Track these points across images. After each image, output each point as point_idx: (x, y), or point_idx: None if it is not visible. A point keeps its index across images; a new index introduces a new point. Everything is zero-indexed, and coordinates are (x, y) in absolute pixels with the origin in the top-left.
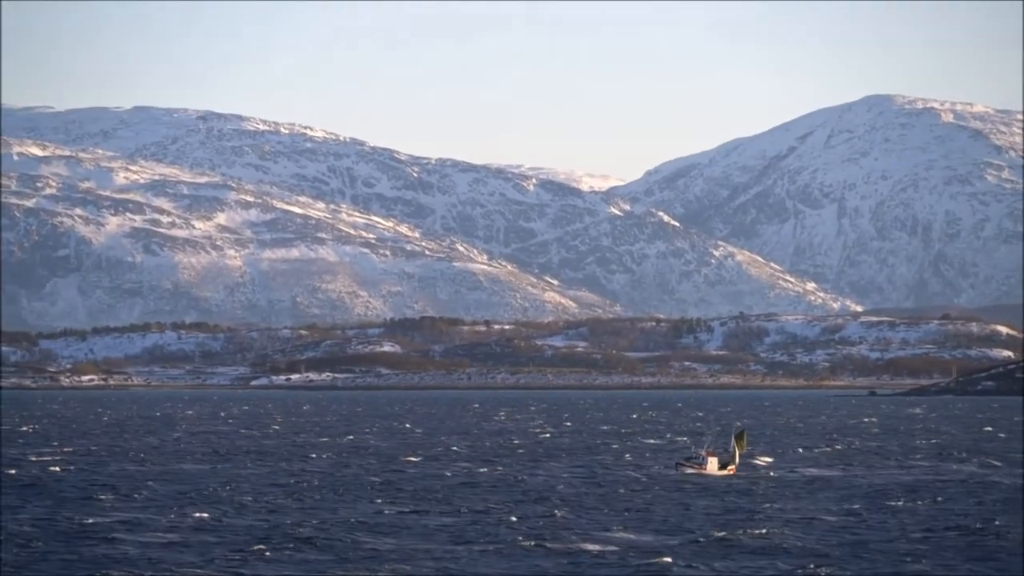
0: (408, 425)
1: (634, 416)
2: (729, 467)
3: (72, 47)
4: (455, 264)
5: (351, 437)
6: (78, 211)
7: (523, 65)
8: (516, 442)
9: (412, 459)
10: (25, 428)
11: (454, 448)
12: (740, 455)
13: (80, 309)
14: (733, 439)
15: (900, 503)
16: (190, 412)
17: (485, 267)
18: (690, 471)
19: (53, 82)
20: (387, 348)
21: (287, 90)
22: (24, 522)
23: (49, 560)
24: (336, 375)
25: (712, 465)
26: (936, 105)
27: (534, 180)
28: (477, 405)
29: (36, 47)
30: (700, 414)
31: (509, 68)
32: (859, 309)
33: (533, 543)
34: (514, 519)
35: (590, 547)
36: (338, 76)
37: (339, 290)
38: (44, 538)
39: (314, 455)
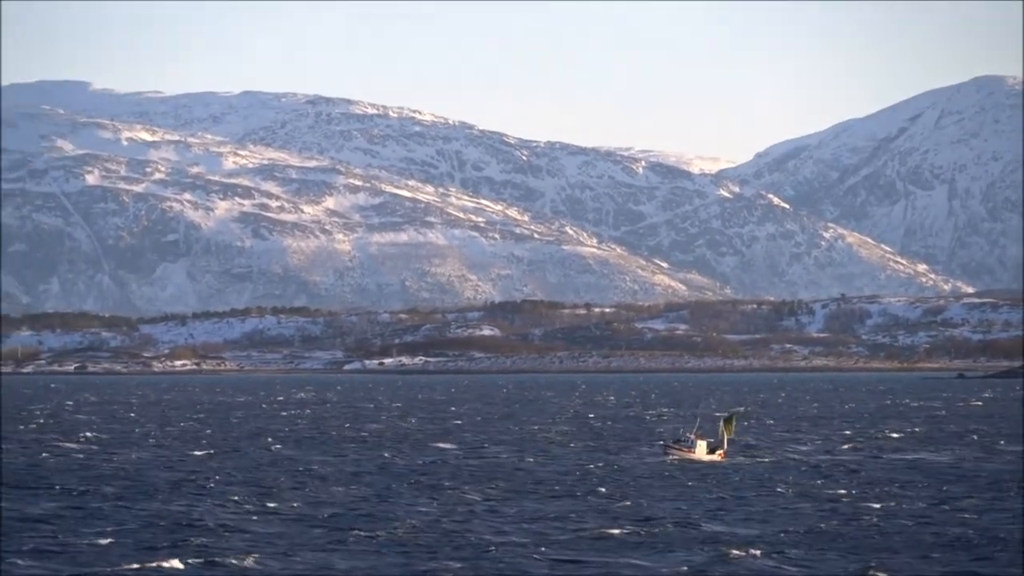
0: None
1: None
2: (718, 451)
3: (181, 32)
4: (564, 247)
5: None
6: (187, 196)
7: (634, 49)
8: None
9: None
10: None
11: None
12: (729, 440)
13: (190, 294)
14: (722, 423)
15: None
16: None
17: (594, 250)
18: (677, 455)
19: (162, 67)
20: (486, 332)
21: (396, 74)
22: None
23: None
24: (428, 359)
25: (701, 449)
26: None
27: (643, 163)
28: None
29: (145, 33)
30: (762, 396)
31: (620, 52)
32: (970, 291)
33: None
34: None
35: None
36: (447, 59)
37: (448, 274)
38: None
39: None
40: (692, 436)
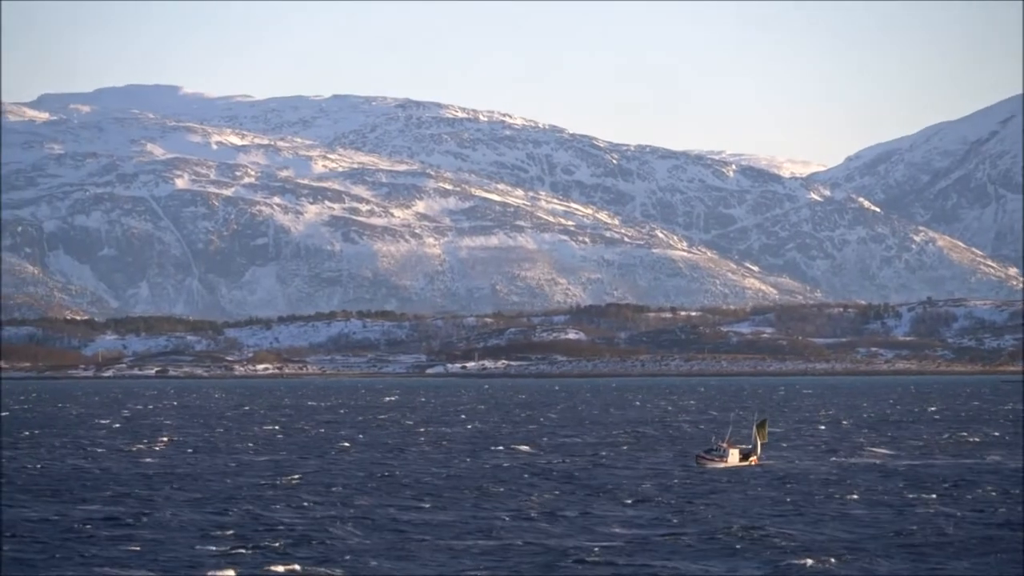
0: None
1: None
2: (751, 458)
3: (271, 37)
4: (654, 251)
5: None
6: (277, 199)
7: (726, 53)
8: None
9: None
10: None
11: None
12: (763, 445)
13: (279, 298)
14: (755, 428)
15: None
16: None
17: (684, 254)
18: (711, 465)
19: (252, 72)
20: (571, 335)
21: (486, 78)
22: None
23: None
24: (510, 362)
25: (733, 457)
26: None
27: (734, 166)
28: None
29: (235, 37)
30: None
31: (712, 56)
32: None
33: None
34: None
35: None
36: (537, 64)
37: (538, 277)
38: None
39: None
40: (724, 445)
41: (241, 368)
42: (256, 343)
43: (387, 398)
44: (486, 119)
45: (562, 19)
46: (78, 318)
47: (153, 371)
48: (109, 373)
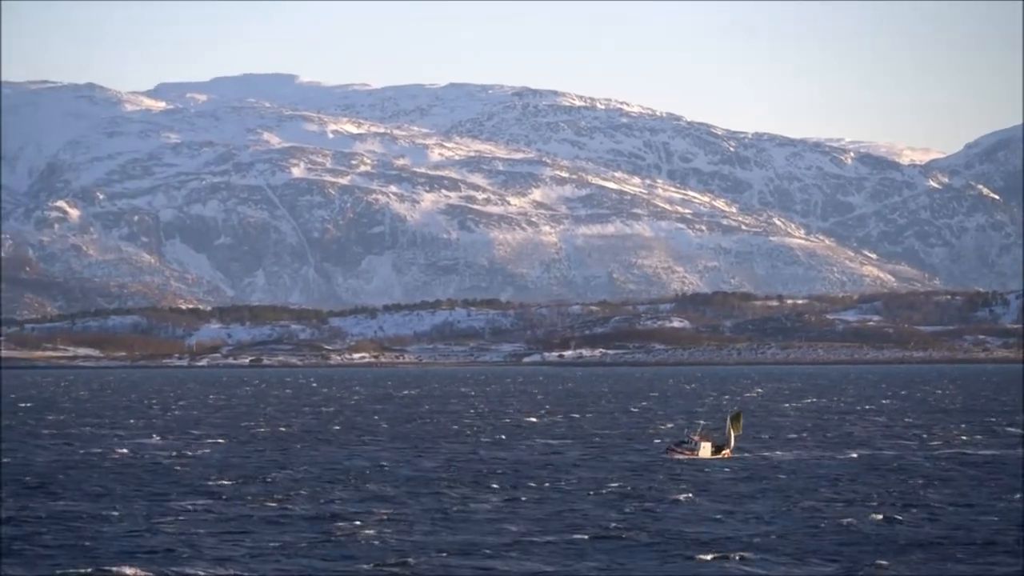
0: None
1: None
2: (724, 451)
3: (388, 26)
4: (772, 239)
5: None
6: (393, 188)
7: (844, 41)
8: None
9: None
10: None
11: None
12: (736, 437)
13: (395, 287)
14: (728, 421)
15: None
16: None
17: (802, 241)
18: (681, 457)
19: (370, 60)
20: (675, 324)
21: (604, 66)
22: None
23: None
24: (607, 351)
25: (705, 450)
26: None
27: (852, 154)
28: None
29: (352, 26)
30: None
31: (829, 44)
32: None
33: None
34: None
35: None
36: (654, 51)
37: (655, 265)
38: None
39: None
40: (695, 438)
41: (338, 357)
42: (360, 332)
43: (405, 391)
44: (603, 107)
45: (678, 6)
46: (187, 307)
47: (247, 360)
48: (203, 362)
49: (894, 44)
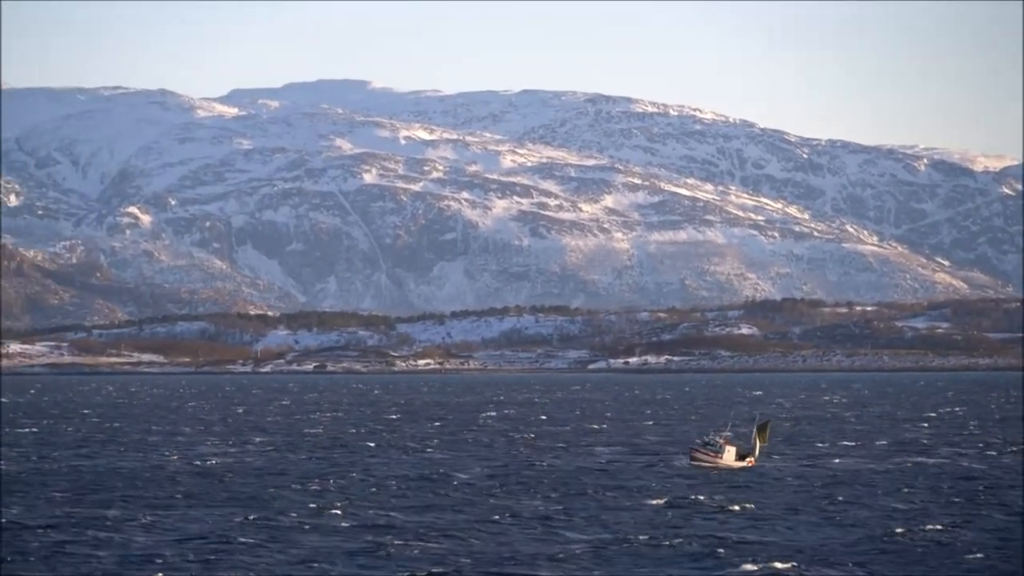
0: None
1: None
2: (748, 459)
3: (461, 32)
4: (844, 245)
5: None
6: (465, 194)
7: (920, 48)
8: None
9: None
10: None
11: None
12: (761, 447)
13: (467, 293)
14: (755, 430)
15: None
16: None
17: (875, 248)
18: (703, 462)
19: (442, 66)
20: (744, 330)
21: (676, 73)
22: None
23: None
24: (672, 358)
25: (729, 455)
26: None
27: (925, 160)
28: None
29: (425, 33)
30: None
31: (906, 51)
32: None
33: None
34: None
35: None
36: (728, 59)
37: (727, 272)
38: None
39: None
40: (720, 440)
41: (402, 363)
42: (428, 338)
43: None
44: (676, 113)
45: (752, 13)
46: (256, 313)
47: (312, 367)
48: (267, 368)
49: (970, 51)
